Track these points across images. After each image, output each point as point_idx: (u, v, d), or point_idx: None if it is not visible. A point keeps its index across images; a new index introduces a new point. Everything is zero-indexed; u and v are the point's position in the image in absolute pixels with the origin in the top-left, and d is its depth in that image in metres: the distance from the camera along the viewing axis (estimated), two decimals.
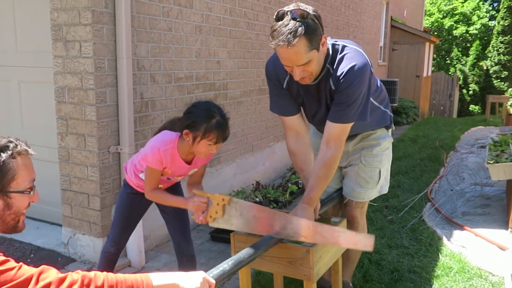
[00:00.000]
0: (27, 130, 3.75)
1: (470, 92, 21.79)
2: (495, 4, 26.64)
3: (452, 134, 9.50)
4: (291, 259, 2.08)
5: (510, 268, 3.08)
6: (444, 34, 26.29)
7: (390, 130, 2.66)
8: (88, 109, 3.14)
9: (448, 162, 6.73)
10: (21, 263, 1.25)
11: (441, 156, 7.08)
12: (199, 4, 4.02)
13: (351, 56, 2.09)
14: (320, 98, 2.23)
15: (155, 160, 2.22)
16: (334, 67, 2.10)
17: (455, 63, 24.33)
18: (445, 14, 27.02)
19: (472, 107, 21.60)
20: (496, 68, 20.02)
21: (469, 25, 26.01)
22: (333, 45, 2.13)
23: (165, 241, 3.77)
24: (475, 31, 25.45)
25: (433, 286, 3.06)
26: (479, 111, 20.76)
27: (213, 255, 3.60)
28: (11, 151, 1.37)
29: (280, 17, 1.92)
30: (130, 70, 3.22)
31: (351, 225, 2.62)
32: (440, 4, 27.49)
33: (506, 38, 19.35)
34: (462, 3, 27.07)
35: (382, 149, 2.57)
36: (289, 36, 1.86)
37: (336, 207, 2.75)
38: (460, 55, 24.32)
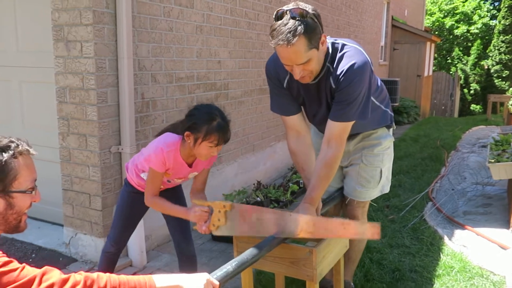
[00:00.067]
0: (29, 130, 3.75)
1: (471, 92, 21.76)
2: (496, 3, 26.59)
3: (453, 133, 9.50)
4: (294, 260, 2.08)
5: (511, 267, 3.08)
6: (445, 33, 26.26)
7: (391, 129, 2.66)
8: (89, 109, 3.14)
9: (449, 162, 6.72)
10: (24, 264, 1.26)
11: (442, 155, 7.08)
12: (200, 4, 4.02)
13: (351, 55, 2.09)
14: (321, 97, 2.23)
15: (159, 161, 2.22)
16: (334, 65, 2.10)
17: (456, 62, 24.31)
18: (446, 14, 27.00)
19: (473, 106, 21.58)
20: (497, 67, 19.98)
21: (470, 24, 25.99)
22: (333, 44, 2.13)
23: (166, 241, 3.78)
24: (476, 31, 25.42)
25: (434, 286, 3.06)
26: (480, 111, 20.74)
27: (214, 255, 3.60)
28: (13, 151, 1.37)
29: (279, 16, 1.92)
30: (131, 70, 3.23)
31: None
32: (441, 4, 27.47)
33: (507, 37, 19.30)
34: (463, 2, 27.04)
35: (383, 149, 2.57)
36: (288, 35, 1.86)
37: (337, 206, 2.75)
38: (461, 55, 24.30)
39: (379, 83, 2.44)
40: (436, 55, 23.63)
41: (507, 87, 18.79)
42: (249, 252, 1.83)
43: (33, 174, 1.44)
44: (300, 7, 1.90)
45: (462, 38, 26.01)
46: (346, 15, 8.25)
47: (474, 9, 26.56)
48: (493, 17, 25.26)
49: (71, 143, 3.29)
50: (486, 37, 24.47)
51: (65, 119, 3.28)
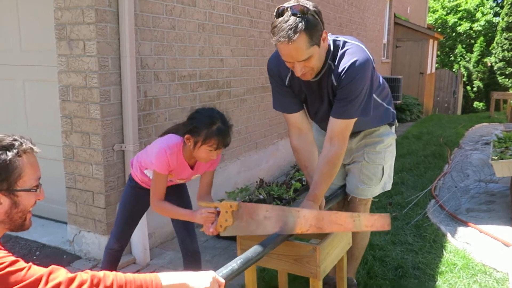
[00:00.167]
0: (32, 129, 3.77)
1: (474, 89, 21.71)
2: (499, 1, 26.47)
3: (456, 131, 9.48)
4: (298, 257, 2.08)
5: None
6: (448, 30, 26.18)
7: (393, 127, 2.66)
8: (92, 107, 3.15)
9: (452, 159, 6.71)
10: (30, 264, 1.26)
11: (445, 153, 7.07)
12: (202, 2, 4.03)
13: (353, 52, 2.08)
14: (322, 94, 2.24)
15: (162, 163, 2.23)
16: (336, 63, 2.10)
17: (459, 60, 24.24)
18: (449, 11, 26.91)
19: (476, 104, 21.53)
20: (500, 64, 19.93)
21: (473, 21, 25.89)
22: (334, 41, 2.13)
23: (169, 239, 3.79)
24: (479, 28, 25.32)
25: (437, 283, 3.06)
26: (483, 108, 20.69)
27: (218, 252, 3.61)
28: (17, 150, 1.36)
29: (280, 13, 1.92)
30: (133, 69, 3.23)
31: None
32: (443, 1, 27.39)
33: (511, 34, 19.25)
34: None
35: (385, 146, 2.57)
36: (289, 32, 1.86)
37: (340, 204, 2.75)
38: (464, 52, 24.22)
39: (381, 81, 2.44)
40: (439, 52, 23.57)
41: (510, 85, 18.76)
42: (254, 249, 1.83)
43: (37, 172, 1.43)
44: (301, 4, 1.90)
45: (465, 35, 25.92)
46: (348, 13, 8.24)
47: (477, 6, 26.46)
48: (496, 14, 25.16)
49: (74, 141, 3.31)
50: (489, 34, 24.38)
51: (68, 117, 3.29)
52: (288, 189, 4.73)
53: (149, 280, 1.37)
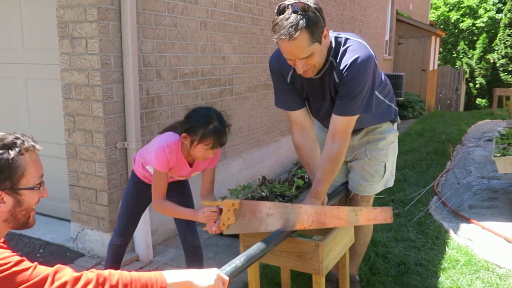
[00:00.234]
0: (35, 127, 3.78)
1: (477, 86, 21.66)
2: None
3: (459, 127, 9.46)
4: (300, 253, 2.09)
5: None
6: (451, 27, 26.11)
7: (395, 124, 2.66)
8: (95, 105, 3.16)
9: (454, 156, 6.71)
10: (36, 263, 1.26)
11: (447, 149, 7.06)
12: (204, 0, 4.03)
13: (354, 49, 2.08)
14: (324, 91, 2.24)
15: (162, 161, 2.24)
16: (338, 60, 2.10)
17: (461, 56, 24.18)
18: (451, 7, 26.83)
19: (479, 100, 21.48)
20: (503, 61, 19.88)
21: (475, 18, 25.81)
22: (336, 38, 2.13)
23: (172, 236, 3.80)
24: (482, 24, 25.25)
25: (439, 279, 3.07)
26: (486, 105, 20.65)
27: (220, 249, 3.62)
28: (19, 148, 1.36)
29: (281, 11, 1.92)
30: (136, 66, 3.24)
31: None
32: None
33: None
34: None
35: (388, 143, 2.57)
36: (290, 29, 1.86)
37: (342, 200, 2.75)
38: (467, 49, 24.16)
39: (383, 78, 2.44)
40: (441, 49, 23.50)
41: None
42: (257, 246, 1.84)
43: (40, 170, 1.43)
44: (301, 1, 1.90)
45: (467, 32, 25.85)
46: (350, 10, 8.23)
47: (479, 2, 26.37)
48: (499, 10, 25.07)
49: (77, 139, 3.32)
50: (492, 31, 24.31)
51: (71, 115, 3.30)
52: (291, 186, 4.73)
53: (154, 278, 1.38)
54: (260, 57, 5.10)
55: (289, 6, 1.90)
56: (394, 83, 9.44)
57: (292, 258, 2.11)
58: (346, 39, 2.13)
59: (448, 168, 5.95)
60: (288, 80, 2.27)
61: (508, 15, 19.41)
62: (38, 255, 3.39)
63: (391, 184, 2.72)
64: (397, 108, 2.64)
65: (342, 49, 2.11)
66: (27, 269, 1.22)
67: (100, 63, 3.08)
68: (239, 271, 1.67)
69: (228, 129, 2.23)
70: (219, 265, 1.63)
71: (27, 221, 1.43)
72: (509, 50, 19.51)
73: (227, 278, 1.54)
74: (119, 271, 1.37)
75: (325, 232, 2.21)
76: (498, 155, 4.37)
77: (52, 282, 1.23)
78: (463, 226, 4.05)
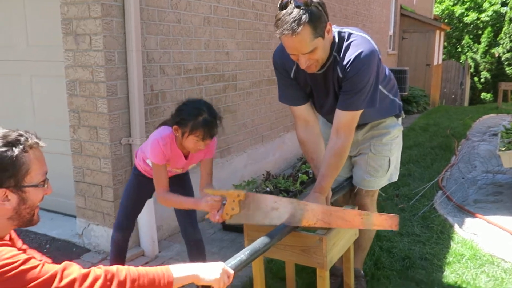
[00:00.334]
0: (40, 124, 3.80)
1: (482, 80, 21.55)
2: None
3: (464, 122, 9.43)
4: (304, 247, 2.10)
5: None
6: (455, 21, 25.94)
7: (400, 118, 2.65)
8: (100, 102, 3.17)
9: (459, 150, 6.69)
10: (43, 261, 1.27)
11: (452, 144, 7.04)
12: None
13: (358, 43, 2.08)
14: (328, 87, 2.23)
15: (158, 154, 2.29)
16: (341, 55, 2.10)
17: (466, 50, 24.04)
18: (455, 1, 26.64)
19: (483, 95, 21.37)
20: (508, 55, 19.76)
21: (480, 12, 25.61)
22: (339, 33, 2.12)
23: (177, 231, 3.81)
24: (487, 18, 25.05)
25: (444, 273, 3.07)
26: (491, 99, 20.54)
27: (225, 244, 3.64)
28: (23, 145, 1.35)
29: (284, 6, 1.92)
30: (140, 63, 3.25)
31: None
32: None
33: None
34: None
35: (392, 138, 2.57)
36: (293, 24, 1.86)
37: (346, 195, 2.76)
38: (471, 43, 24.01)
39: (387, 72, 2.43)
40: (445, 43, 23.38)
41: None
42: (261, 240, 1.85)
43: (44, 167, 1.42)
44: None
45: (472, 26, 25.67)
46: (354, 5, 8.19)
47: None
48: (504, 4, 24.86)
49: (82, 136, 3.33)
50: (497, 25, 24.12)
51: (76, 112, 3.32)
52: (295, 181, 4.74)
53: (160, 273, 1.39)
54: (263, 52, 5.09)
55: (292, 1, 1.89)
56: (398, 78, 9.42)
57: (296, 252, 2.12)
58: (350, 34, 2.12)
59: (452, 163, 5.94)
60: (292, 76, 2.26)
61: None
62: (45, 250, 3.42)
63: (395, 178, 2.72)
64: (401, 103, 2.64)
65: (345, 44, 2.10)
66: (35, 267, 1.22)
67: (104, 60, 3.08)
68: (244, 265, 1.69)
69: (220, 121, 2.27)
70: (223, 260, 1.64)
71: (31, 218, 1.43)
72: None
73: (232, 272, 1.56)
74: (126, 266, 1.38)
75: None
76: (503, 149, 4.36)
77: (61, 279, 1.24)
78: (468, 220, 4.04)
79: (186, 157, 2.43)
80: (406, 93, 10.48)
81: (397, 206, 4.32)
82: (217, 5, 4.19)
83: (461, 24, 25.96)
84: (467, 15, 25.73)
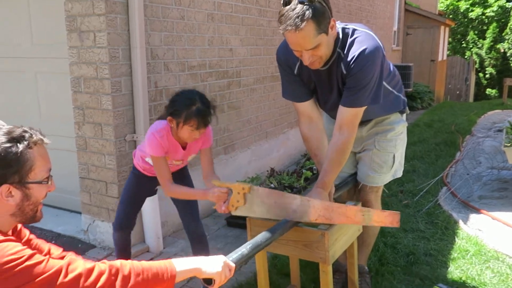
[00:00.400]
0: (45, 120, 3.82)
1: (487, 76, 21.43)
2: None
3: (468, 118, 9.39)
4: (307, 242, 2.10)
5: None
6: (460, 17, 25.79)
7: (404, 114, 2.64)
8: (104, 98, 3.18)
9: (464, 146, 6.67)
10: (47, 256, 1.28)
11: (456, 140, 7.02)
12: None
13: (362, 40, 2.07)
14: (332, 83, 2.23)
15: (155, 146, 2.32)
16: (345, 51, 2.09)
17: (471, 46, 23.91)
18: None
19: (488, 90, 21.26)
20: None
21: (485, 7, 25.45)
22: (343, 29, 2.11)
23: (181, 228, 3.81)
24: (492, 13, 24.89)
25: (449, 269, 3.07)
26: (496, 95, 20.44)
27: (230, 240, 3.65)
28: (27, 141, 1.34)
29: (287, 2, 1.91)
30: (144, 59, 3.25)
31: None
32: None
33: None
34: None
35: (396, 134, 2.56)
36: (296, 20, 1.85)
37: (350, 191, 2.76)
38: (476, 38, 23.87)
39: (391, 68, 2.42)
40: (450, 39, 23.25)
41: None
42: (263, 235, 1.86)
43: (48, 163, 1.42)
44: None
45: (477, 21, 25.51)
46: (358, 0, 8.16)
47: None
48: None
49: (86, 132, 3.34)
50: (502, 20, 23.97)
51: (80, 108, 3.33)
52: (299, 177, 4.74)
53: (164, 267, 1.41)
54: (267, 48, 5.09)
55: None
56: (402, 74, 9.38)
57: (298, 247, 2.13)
58: (354, 30, 2.11)
59: (457, 159, 5.92)
60: (296, 72, 2.26)
61: None
62: None
63: (400, 175, 2.71)
64: (405, 99, 2.63)
65: (349, 40, 2.09)
66: (40, 262, 1.23)
67: (108, 56, 3.09)
68: (245, 259, 1.70)
69: (213, 110, 2.31)
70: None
71: (34, 215, 1.43)
72: None
73: (234, 265, 1.58)
74: (130, 261, 1.39)
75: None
76: (508, 145, 4.34)
77: (66, 274, 1.24)
78: (473, 216, 4.03)
79: (184, 148, 2.45)
80: (410, 89, 10.45)
81: (401, 202, 4.32)
82: (221, 2, 4.18)
83: (466, 20, 25.80)
84: (472, 11, 25.57)
